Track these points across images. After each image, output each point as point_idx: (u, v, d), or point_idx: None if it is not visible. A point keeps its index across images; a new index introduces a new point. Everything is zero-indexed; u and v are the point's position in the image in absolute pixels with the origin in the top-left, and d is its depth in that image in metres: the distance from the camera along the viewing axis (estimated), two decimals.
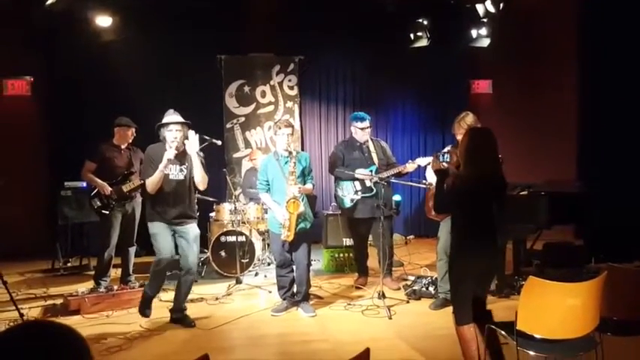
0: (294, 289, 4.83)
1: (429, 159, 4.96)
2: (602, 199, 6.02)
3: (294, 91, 8.35)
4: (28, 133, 7.67)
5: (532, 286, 2.69)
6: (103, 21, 6.76)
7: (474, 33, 7.46)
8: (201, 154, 4.47)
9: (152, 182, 4.29)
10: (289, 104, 8.33)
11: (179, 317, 4.50)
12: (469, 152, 3.16)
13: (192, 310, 4.68)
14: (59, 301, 5.03)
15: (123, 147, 5.55)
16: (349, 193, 5.46)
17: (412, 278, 5.57)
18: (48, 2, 5.98)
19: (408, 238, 8.45)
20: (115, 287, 5.06)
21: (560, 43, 8.31)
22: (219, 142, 5.73)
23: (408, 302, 5.02)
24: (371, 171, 5.40)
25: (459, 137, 4.33)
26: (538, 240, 5.73)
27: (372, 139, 5.63)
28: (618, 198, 6.67)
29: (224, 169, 7.05)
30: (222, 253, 6.01)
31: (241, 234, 5.99)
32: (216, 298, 5.23)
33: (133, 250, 5.64)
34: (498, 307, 3.26)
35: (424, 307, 4.83)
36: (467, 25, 7.48)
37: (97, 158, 5.45)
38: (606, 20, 7.45)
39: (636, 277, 3.43)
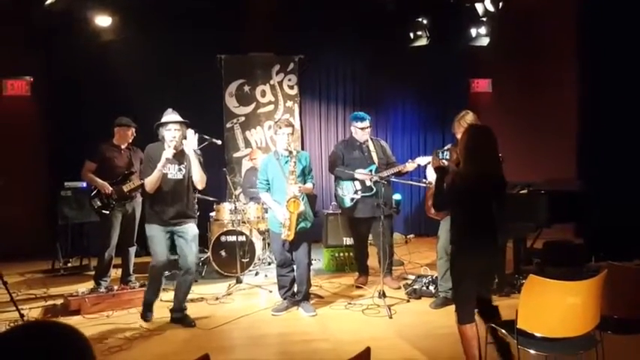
0: (295, 289, 4.83)
1: (429, 158, 4.96)
2: (602, 197, 6.03)
3: (294, 91, 8.35)
4: (28, 133, 7.66)
5: (532, 284, 2.69)
6: (103, 21, 6.75)
7: (473, 32, 7.45)
8: (199, 152, 4.46)
9: (151, 181, 4.29)
10: (289, 104, 8.32)
11: (179, 317, 4.50)
12: (469, 150, 3.15)
13: (192, 310, 4.68)
14: (59, 302, 5.04)
15: (123, 147, 5.55)
16: (349, 192, 5.46)
17: (412, 277, 5.57)
18: (47, 2, 5.97)
19: (408, 237, 8.46)
20: (116, 287, 5.07)
21: (560, 42, 8.30)
22: (219, 142, 5.74)
23: (408, 301, 5.02)
24: (371, 170, 5.41)
25: (459, 136, 4.30)
26: (538, 238, 5.73)
27: (371, 139, 5.63)
28: (618, 196, 6.66)
29: (224, 169, 7.03)
30: (223, 253, 6.01)
31: (241, 234, 5.99)
32: (217, 298, 5.23)
33: (133, 250, 5.65)
34: (499, 306, 3.26)
35: (425, 306, 4.83)
36: (466, 24, 7.47)
37: (97, 158, 5.45)
38: (606, 18, 7.43)
39: (636, 275, 3.44)
